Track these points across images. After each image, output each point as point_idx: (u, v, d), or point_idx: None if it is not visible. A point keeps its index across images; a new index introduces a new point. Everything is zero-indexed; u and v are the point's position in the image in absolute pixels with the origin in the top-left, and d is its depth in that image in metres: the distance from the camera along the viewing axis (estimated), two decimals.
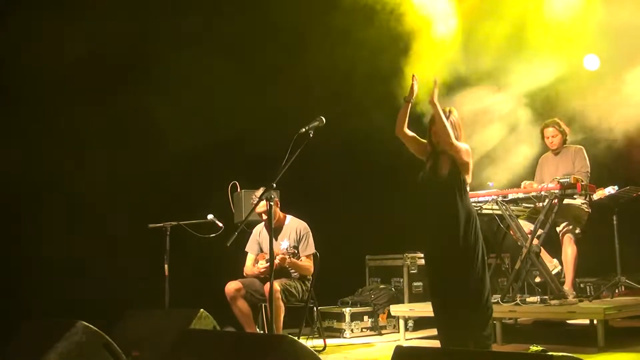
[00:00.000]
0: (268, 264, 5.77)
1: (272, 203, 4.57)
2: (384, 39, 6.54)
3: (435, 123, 4.54)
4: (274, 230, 5.89)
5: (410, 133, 4.66)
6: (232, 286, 5.75)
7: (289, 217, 6.08)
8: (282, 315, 5.65)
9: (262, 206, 5.62)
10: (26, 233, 6.21)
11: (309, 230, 5.99)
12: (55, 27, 6.16)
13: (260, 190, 5.79)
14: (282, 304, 5.61)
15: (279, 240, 5.96)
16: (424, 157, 4.68)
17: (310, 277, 5.96)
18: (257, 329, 6.07)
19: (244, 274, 6.01)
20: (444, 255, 4.49)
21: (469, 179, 4.60)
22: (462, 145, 4.54)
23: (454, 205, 4.47)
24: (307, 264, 5.90)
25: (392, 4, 6.54)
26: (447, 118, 4.52)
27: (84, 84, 6.54)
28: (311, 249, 5.94)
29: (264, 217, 5.91)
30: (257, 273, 5.90)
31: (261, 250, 6.07)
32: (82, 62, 6.40)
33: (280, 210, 6.08)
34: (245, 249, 6.13)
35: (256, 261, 6.03)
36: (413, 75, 4.67)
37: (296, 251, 5.87)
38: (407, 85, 4.69)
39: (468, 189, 4.62)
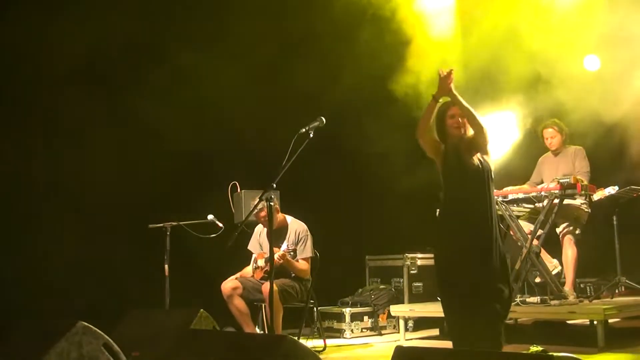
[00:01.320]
0: (266, 266, 5.80)
1: (271, 203, 4.56)
2: (381, 41, 6.55)
3: (455, 108, 4.31)
4: (278, 234, 5.92)
5: (432, 136, 4.41)
6: (228, 285, 5.73)
7: (289, 219, 6.07)
8: (281, 315, 5.64)
9: (262, 211, 5.68)
10: (26, 233, 6.21)
11: (309, 233, 5.98)
12: (56, 27, 6.16)
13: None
14: (280, 305, 5.60)
15: (279, 242, 5.95)
16: (437, 157, 4.42)
17: (309, 278, 5.95)
18: (257, 329, 6.07)
19: (249, 276, 6.01)
20: (474, 250, 4.22)
21: (491, 162, 4.40)
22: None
23: (486, 196, 4.31)
24: (303, 266, 5.88)
25: (392, 7, 6.55)
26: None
27: (84, 84, 6.54)
28: (308, 252, 5.91)
29: (264, 221, 5.92)
30: (257, 278, 5.91)
31: (261, 251, 6.07)
32: (82, 62, 6.40)
33: (281, 212, 6.07)
34: (248, 247, 6.12)
35: (255, 261, 6.02)
36: (450, 71, 4.31)
37: (293, 253, 5.86)
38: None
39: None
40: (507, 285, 4.31)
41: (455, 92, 4.29)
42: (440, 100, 4.34)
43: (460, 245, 4.29)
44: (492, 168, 4.40)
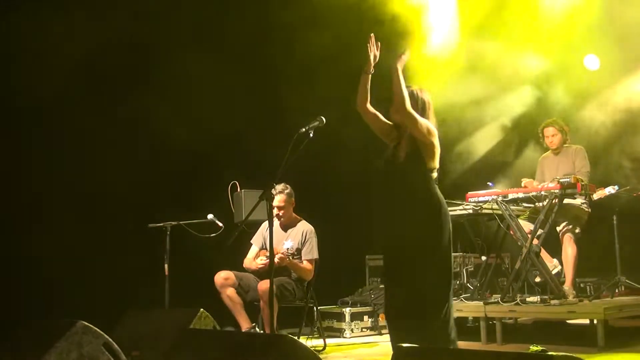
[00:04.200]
0: (267, 260, 5.76)
1: (271, 203, 4.55)
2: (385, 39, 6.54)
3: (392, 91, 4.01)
4: (284, 225, 6.00)
5: (372, 110, 4.14)
6: (221, 275, 5.69)
7: (301, 221, 6.07)
8: (276, 313, 5.61)
9: (279, 201, 5.78)
10: (26, 233, 6.21)
11: (315, 235, 5.96)
12: (57, 26, 6.16)
13: (281, 186, 5.86)
14: (275, 302, 5.56)
15: (284, 239, 5.95)
16: (387, 140, 4.20)
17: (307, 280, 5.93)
18: (257, 329, 6.07)
19: (243, 266, 5.99)
20: (401, 256, 3.98)
21: (434, 163, 4.03)
22: (422, 120, 3.98)
23: (413, 194, 3.97)
24: (308, 267, 5.87)
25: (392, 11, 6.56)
26: (418, 96, 4.07)
27: (84, 85, 6.54)
28: (313, 253, 5.89)
29: (276, 211, 5.91)
30: (255, 268, 5.89)
31: (265, 245, 6.06)
32: (83, 63, 6.40)
33: (294, 211, 6.08)
34: (251, 241, 6.12)
35: (258, 256, 6.02)
36: (370, 38, 4.06)
37: (297, 253, 5.85)
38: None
39: (435, 175, 4.05)
40: (445, 307, 3.90)
41: (399, 68, 3.97)
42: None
43: (389, 248, 4.09)
44: (432, 168, 4.03)
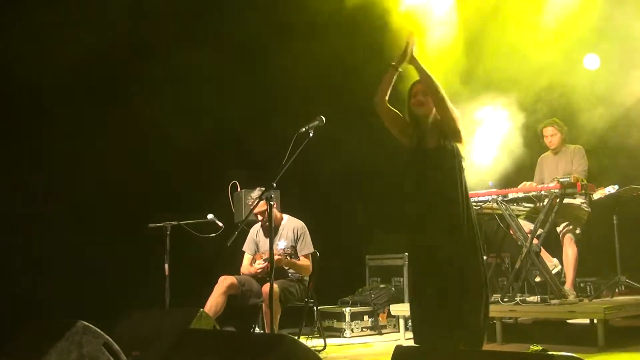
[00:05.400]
0: (265, 263, 5.76)
1: (272, 203, 4.55)
2: (383, 42, 6.55)
3: (419, 85, 4.07)
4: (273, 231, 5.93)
5: (389, 105, 4.15)
6: (227, 281, 5.64)
7: (285, 217, 6.04)
8: (279, 316, 5.61)
9: (260, 206, 5.62)
10: (26, 233, 6.22)
11: (306, 229, 5.95)
12: (56, 26, 6.16)
13: (257, 191, 5.81)
14: (279, 305, 5.56)
15: (276, 241, 5.93)
16: (404, 138, 4.18)
17: (308, 278, 5.92)
18: (257, 329, 6.07)
19: (241, 273, 5.99)
20: (440, 244, 3.94)
21: (464, 150, 4.04)
22: (451, 105, 4.01)
23: (449, 182, 3.96)
24: (306, 263, 5.86)
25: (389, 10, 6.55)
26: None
27: (84, 84, 6.54)
28: (309, 248, 5.89)
29: (260, 217, 5.89)
30: (253, 273, 5.89)
31: (258, 250, 6.05)
32: (82, 62, 6.40)
33: (278, 210, 6.06)
34: (243, 249, 6.11)
35: (254, 261, 6.01)
36: (410, 35, 4.08)
37: (293, 252, 5.84)
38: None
39: (465, 165, 4.06)
40: (479, 268, 3.96)
41: (417, 59, 4.05)
42: (400, 69, 4.10)
43: (425, 239, 4.01)
44: (464, 156, 4.06)
